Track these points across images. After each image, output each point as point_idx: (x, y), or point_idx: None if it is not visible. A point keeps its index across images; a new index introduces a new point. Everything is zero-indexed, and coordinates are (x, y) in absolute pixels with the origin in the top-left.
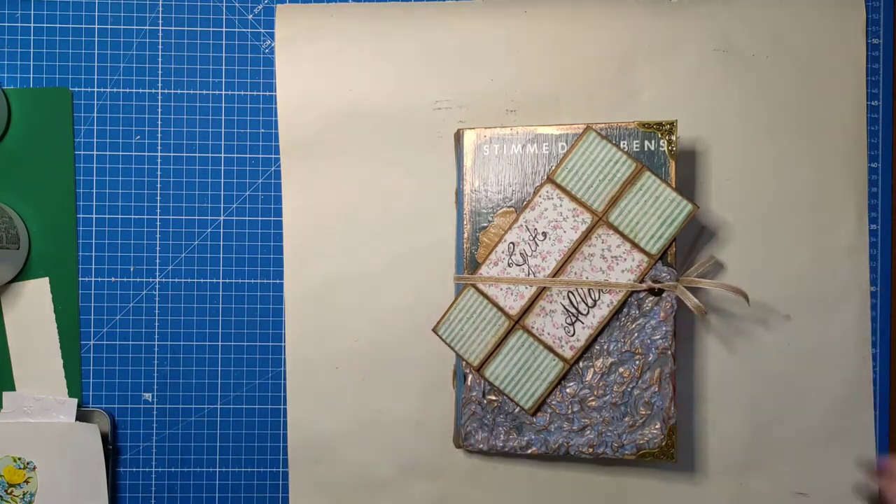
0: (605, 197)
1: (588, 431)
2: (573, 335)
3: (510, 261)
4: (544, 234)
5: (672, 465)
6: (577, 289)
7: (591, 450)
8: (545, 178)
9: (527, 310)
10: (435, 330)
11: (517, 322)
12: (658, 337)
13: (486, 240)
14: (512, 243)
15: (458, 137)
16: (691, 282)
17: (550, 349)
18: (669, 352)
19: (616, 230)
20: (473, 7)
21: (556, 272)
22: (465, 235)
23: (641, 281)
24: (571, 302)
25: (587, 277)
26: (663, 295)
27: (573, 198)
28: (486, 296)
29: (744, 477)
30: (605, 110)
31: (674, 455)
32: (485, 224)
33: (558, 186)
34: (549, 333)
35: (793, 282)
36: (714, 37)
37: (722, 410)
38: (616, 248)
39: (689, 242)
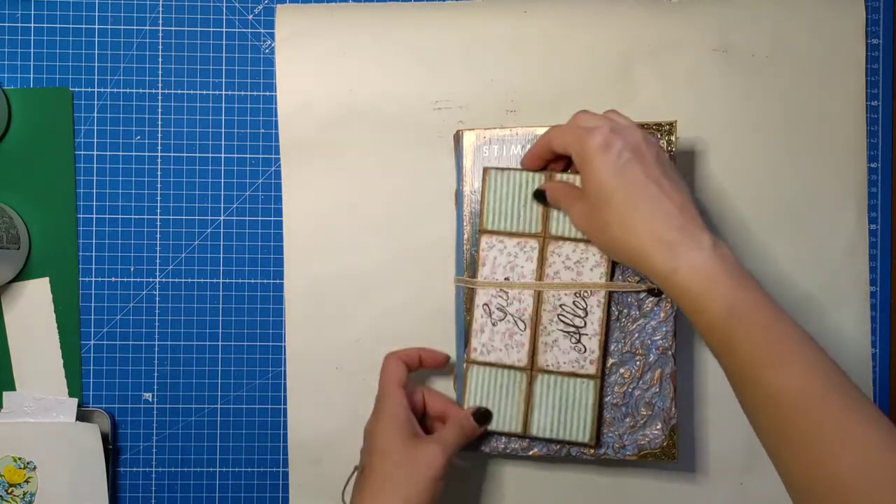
0: (537, 217)
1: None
2: (585, 351)
3: (492, 320)
4: (506, 278)
5: (673, 465)
6: (562, 308)
7: (592, 451)
8: (478, 233)
9: (532, 354)
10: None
11: (532, 369)
12: (658, 337)
13: (484, 242)
14: (486, 304)
15: (458, 139)
16: None
17: (574, 375)
18: (670, 352)
19: (563, 238)
20: (473, 7)
21: (537, 304)
22: (465, 237)
23: (612, 274)
24: (565, 323)
25: (566, 293)
26: (663, 295)
27: (511, 234)
28: (490, 364)
29: (744, 477)
30: (605, 110)
31: (675, 455)
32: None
33: (493, 233)
34: (564, 363)
35: (793, 282)
36: (714, 37)
37: (723, 410)
38: (573, 254)
39: None
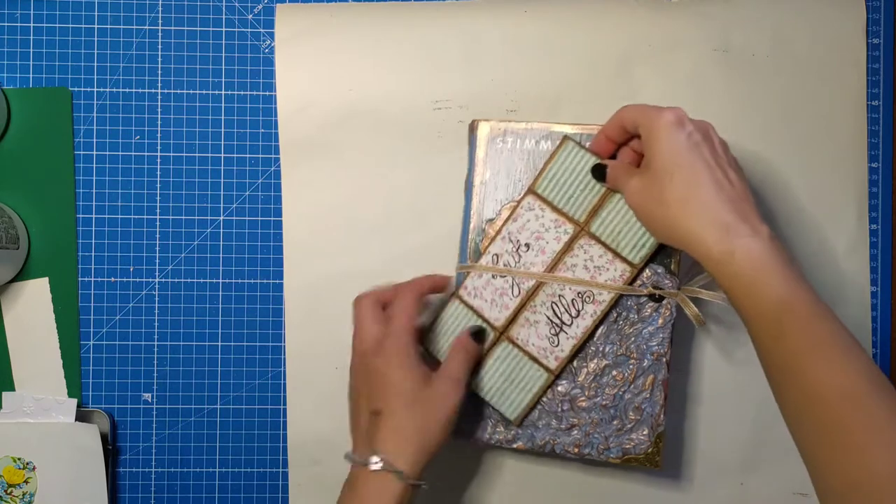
0: (587, 207)
1: (575, 431)
2: (557, 346)
3: (495, 273)
4: (527, 245)
5: (671, 466)
6: (560, 299)
7: (576, 450)
8: (526, 189)
9: (511, 321)
10: (422, 344)
11: (502, 333)
12: (655, 343)
13: (491, 231)
14: (496, 255)
15: (473, 129)
16: (693, 292)
17: (535, 360)
18: (664, 359)
19: (598, 240)
20: (473, 7)
21: (540, 283)
22: (472, 225)
23: (631, 283)
24: (555, 312)
25: (571, 288)
26: (663, 302)
27: (554, 208)
28: (471, 308)
29: (744, 477)
30: (605, 110)
31: (659, 463)
32: (492, 216)
33: (539, 197)
34: (533, 344)
35: None
36: (714, 37)
37: (724, 411)
38: (598, 259)
39: None
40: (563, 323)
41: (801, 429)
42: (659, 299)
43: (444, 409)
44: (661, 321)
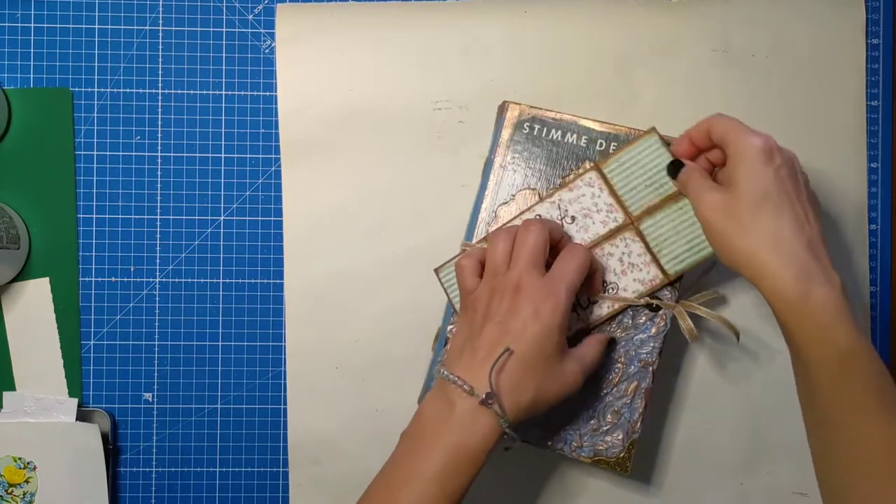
0: (645, 204)
1: (551, 424)
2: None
3: None
4: (573, 218)
5: (668, 466)
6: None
7: (549, 444)
8: (593, 164)
9: None
10: (437, 270)
11: None
12: (644, 351)
13: (503, 214)
14: (539, 215)
15: (503, 109)
16: (691, 307)
17: None
18: (651, 368)
19: (643, 239)
20: (473, 7)
21: None
22: (484, 205)
23: (651, 296)
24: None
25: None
26: (659, 312)
27: (613, 193)
28: None
29: (744, 477)
30: (605, 110)
31: (628, 468)
32: (506, 199)
33: (603, 177)
34: None
35: None
36: (714, 37)
37: (723, 412)
38: (636, 257)
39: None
40: (577, 304)
41: (835, 475)
42: (655, 309)
43: (563, 385)
44: (654, 330)
